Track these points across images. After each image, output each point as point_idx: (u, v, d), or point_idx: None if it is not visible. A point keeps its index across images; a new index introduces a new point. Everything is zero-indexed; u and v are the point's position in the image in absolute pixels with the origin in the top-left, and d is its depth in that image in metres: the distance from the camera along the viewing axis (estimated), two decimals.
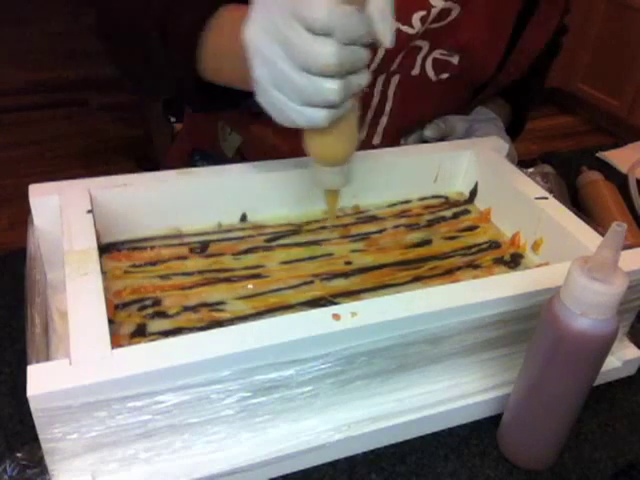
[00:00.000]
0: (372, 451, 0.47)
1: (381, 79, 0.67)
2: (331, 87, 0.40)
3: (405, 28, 0.62)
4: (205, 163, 0.76)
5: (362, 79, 0.43)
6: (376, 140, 0.73)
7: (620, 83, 2.48)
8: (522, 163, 0.69)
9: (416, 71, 0.68)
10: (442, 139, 0.71)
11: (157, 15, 0.54)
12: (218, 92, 0.55)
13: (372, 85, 0.67)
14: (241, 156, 0.73)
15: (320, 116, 0.42)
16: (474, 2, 0.63)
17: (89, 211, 0.49)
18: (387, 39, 0.39)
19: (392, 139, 0.72)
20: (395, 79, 0.68)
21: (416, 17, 0.62)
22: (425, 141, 0.72)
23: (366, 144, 0.72)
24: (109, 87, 2.62)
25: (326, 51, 0.39)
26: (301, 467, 0.45)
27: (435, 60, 0.67)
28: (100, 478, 0.40)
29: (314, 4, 0.38)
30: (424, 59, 0.67)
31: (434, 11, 0.62)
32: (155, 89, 0.68)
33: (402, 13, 0.62)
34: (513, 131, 0.81)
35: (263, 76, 0.42)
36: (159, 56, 0.55)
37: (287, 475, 0.45)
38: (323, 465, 0.46)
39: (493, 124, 0.74)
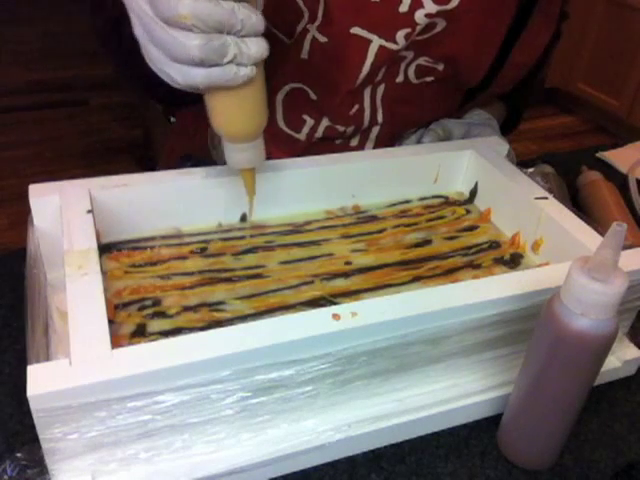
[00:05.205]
0: (372, 451, 0.47)
1: (368, 91, 0.67)
2: (190, 43, 0.39)
3: (389, 45, 0.62)
4: None
5: (252, 46, 0.41)
6: (369, 146, 0.72)
7: (620, 83, 2.48)
8: (522, 163, 0.69)
9: (400, 78, 0.67)
10: None
11: (110, 16, 0.54)
12: None
13: (361, 99, 0.67)
14: None
15: (196, 75, 0.41)
16: (460, 17, 0.62)
17: (89, 211, 0.49)
18: None
19: (384, 146, 0.72)
20: (381, 88, 0.67)
21: (400, 34, 0.61)
22: None
23: (358, 150, 0.72)
24: (109, 87, 2.62)
25: (180, 2, 0.38)
26: (301, 467, 0.45)
27: (419, 66, 0.66)
28: (100, 478, 0.40)
29: None
30: (407, 66, 0.66)
31: (419, 28, 0.61)
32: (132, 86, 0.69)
33: (386, 31, 0.61)
34: (506, 128, 0.81)
35: (140, 33, 0.42)
36: (118, 55, 0.56)
37: (287, 475, 0.45)
38: (323, 465, 0.46)
39: (490, 126, 0.74)
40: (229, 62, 0.41)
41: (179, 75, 0.42)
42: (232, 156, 0.49)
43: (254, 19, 0.41)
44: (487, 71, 0.68)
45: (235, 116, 0.46)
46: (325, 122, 0.68)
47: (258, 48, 0.42)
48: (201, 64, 0.40)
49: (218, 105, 0.45)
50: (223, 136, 0.47)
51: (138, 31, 0.42)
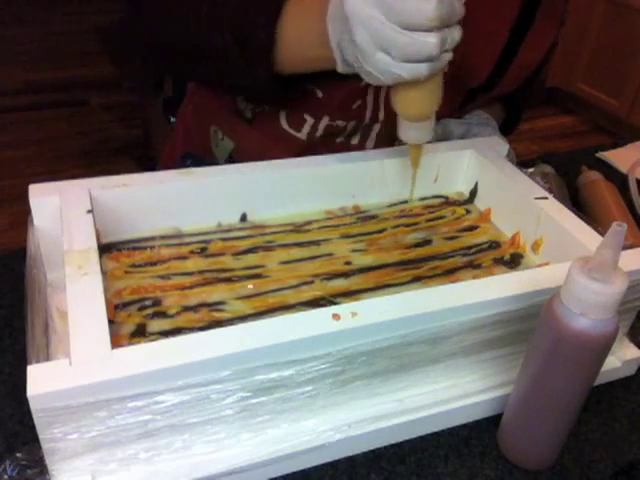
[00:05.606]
0: (372, 451, 0.47)
1: (372, 88, 0.67)
2: (432, 41, 0.43)
3: None
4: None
5: (456, 33, 0.46)
6: (369, 145, 0.72)
7: (620, 83, 2.48)
8: (522, 163, 0.69)
9: None
10: None
11: (229, 25, 0.56)
12: (291, 83, 0.58)
13: (364, 95, 0.67)
14: (233, 162, 0.73)
15: (423, 68, 0.45)
16: (463, 16, 0.62)
17: (89, 211, 0.49)
18: None
19: (385, 144, 0.72)
20: (384, 86, 0.68)
21: None
22: None
23: (359, 149, 0.72)
24: (109, 87, 2.62)
25: (427, 6, 0.42)
26: (301, 467, 0.45)
27: None
28: (100, 478, 0.40)
29: None
30: None
31: None
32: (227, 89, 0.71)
33: None
34: (506, 129, 0.81)
35: (365, 40, 0.45)
36: (235, 63, 0.57)
37: (287, 475, 0.45)
38: (323, 465, 0.46)
39: (489, 126, 0.74)
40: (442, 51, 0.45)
41: (408, 73, 0.45)
42: (407, 133, 0.54)
43: (461, 9, 0.45)
44: (490, 72, 0.68)
45: (420, 98, 0.50)
46: (325, 120, 0.68)
47: (459, 34, 0.46)
48: (431, 59, 0.44)
49: (407, 89, 0.49)
50: (403, 115, 0.52)
51: (362, 39, 0.45)
